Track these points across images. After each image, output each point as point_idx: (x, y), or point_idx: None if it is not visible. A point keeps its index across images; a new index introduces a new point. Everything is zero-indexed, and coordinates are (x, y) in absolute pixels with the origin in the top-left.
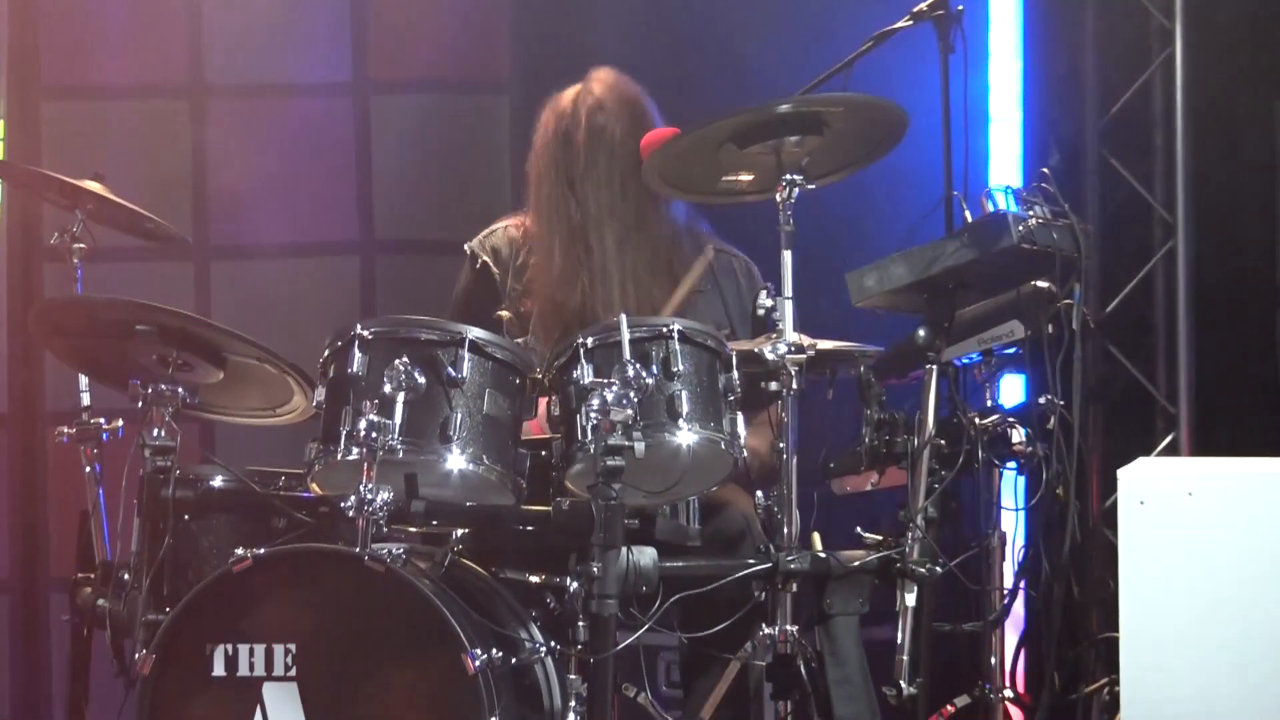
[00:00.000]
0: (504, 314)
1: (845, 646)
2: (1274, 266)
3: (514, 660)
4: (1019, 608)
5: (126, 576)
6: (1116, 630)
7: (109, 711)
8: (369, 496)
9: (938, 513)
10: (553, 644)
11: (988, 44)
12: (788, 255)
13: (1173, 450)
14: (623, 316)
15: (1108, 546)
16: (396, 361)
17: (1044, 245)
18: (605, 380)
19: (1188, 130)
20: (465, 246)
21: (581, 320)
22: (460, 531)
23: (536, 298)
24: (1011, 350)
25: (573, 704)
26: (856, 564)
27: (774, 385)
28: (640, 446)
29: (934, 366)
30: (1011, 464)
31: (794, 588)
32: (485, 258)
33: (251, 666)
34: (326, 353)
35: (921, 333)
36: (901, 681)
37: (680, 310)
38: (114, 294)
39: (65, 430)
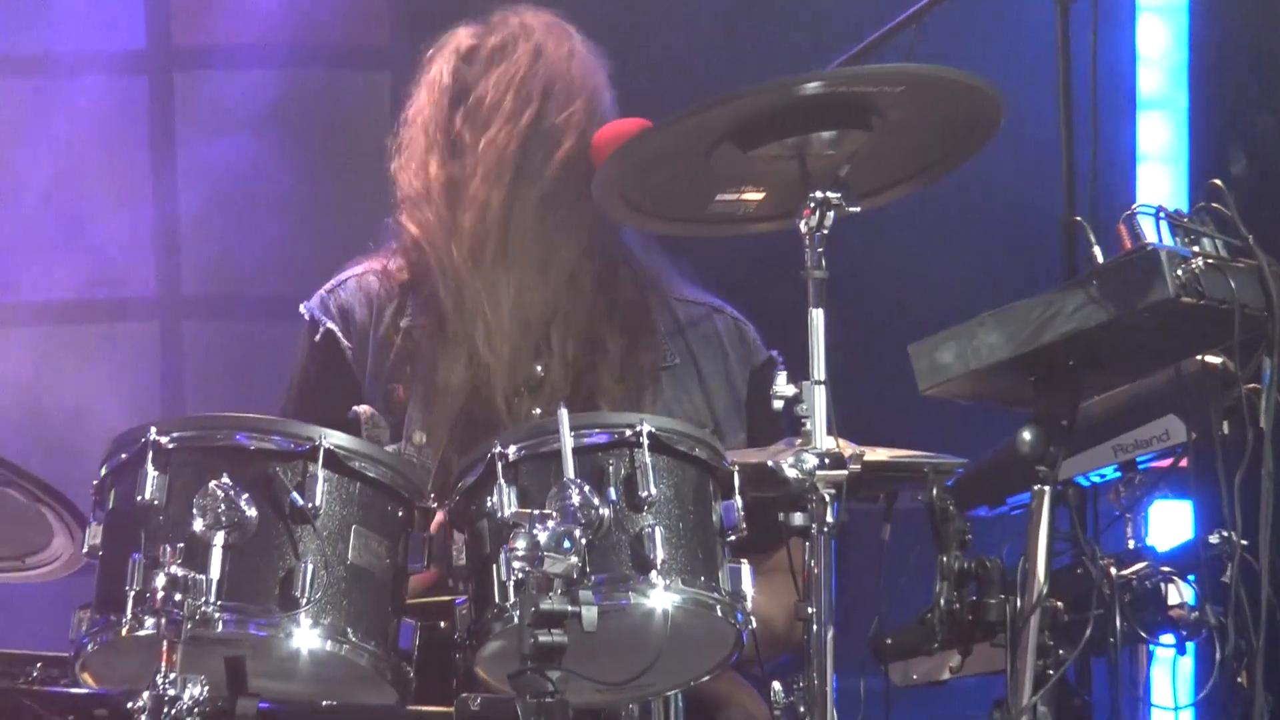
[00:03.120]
0: (363, 410)
1: None
2: None
3: None
4: None
5: None
6: None
7: None
8: (171, 693)
9: (1053, 713)
10: None
11: None
12: (818, 315)
13: None
14: (562, 411)
15: None
16: (212, 484)
17: (1217, 299)
18: (537, 511)
19: None
20: (301, 309)
21: (480, 411)
22: None
23: (416, 377)
24: (1167, 461)
25: None
26: None
27: (798, 518)
28: (591, 613)
29: (1046, 488)
30: (1169, 636)
31: None
32: (329, 325)
33: None
34: (104, 470)
35: (1027, 435)
36: None
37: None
38: None
39: None
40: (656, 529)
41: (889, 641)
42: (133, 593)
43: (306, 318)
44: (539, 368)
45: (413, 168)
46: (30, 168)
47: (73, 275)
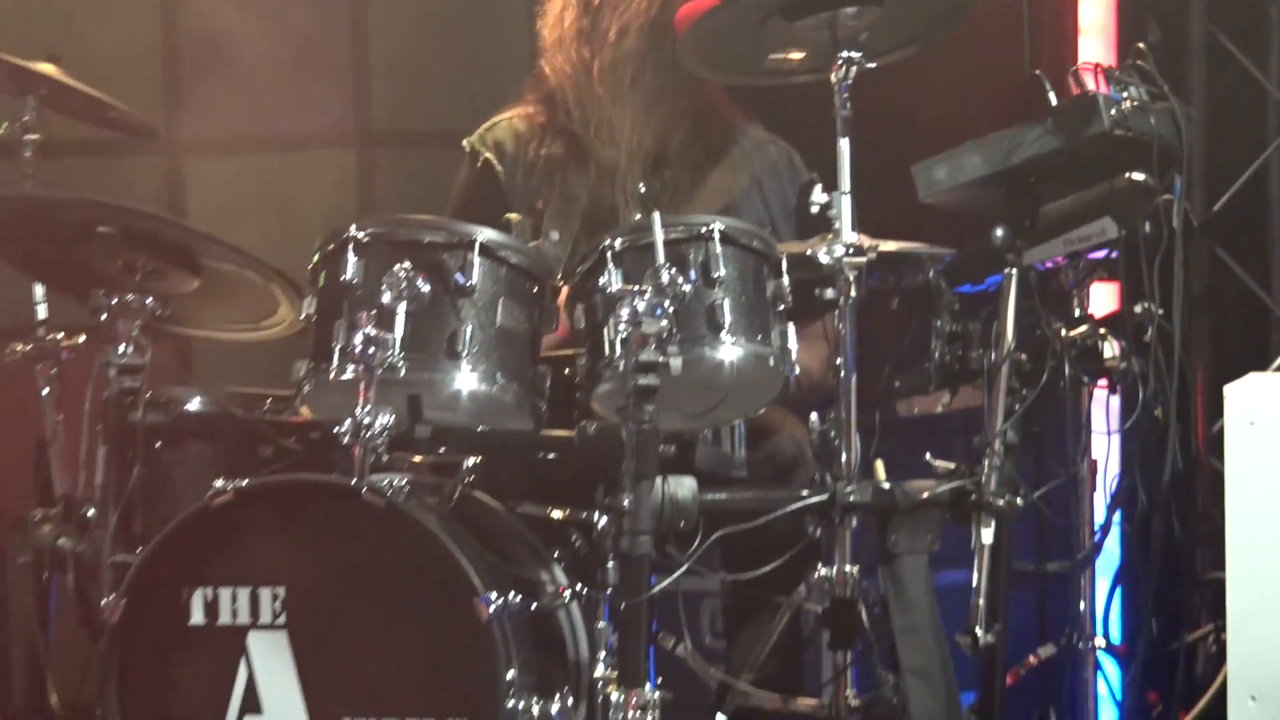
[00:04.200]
0: (513, 217)
1: (913, 589)
2: None
3: (534, 605)
4: (1112, 545)
5: (91, 513)
6: (1223, 570)
7: (73, 664)
8: (366, 421)
9: (1018, 438)
10: (578, 587)
11: None
12: (845, 144)
13: None
14: (656, 215)
15: (1213, 475)
16: (397, 267)
17: (1140, 132)
18: (636, 288)
19: None
20: (464, 143)
21: (600, 215)
22: (471, 460)
23: (551, 192)
24: (1103, 252)
25: (601, 655)
26: (925, 496)
27: (830, 293)
28: (676, 363)
29: (1014, 271)
30: (1103, 382)
31: (854, 523)
32: (487, 154)
33: (234, 613)
34: (317, 258)
35: (999, 232)
36: (977, 629)
37: (715, 204)
38: (73, 191)
39: (18, 347)
40: (725, 300)
41: (897, 384)
42: (338, 347)
43: (467, 149)
44: (641, 186)
45: (551, 22)
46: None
47: (280, 111)
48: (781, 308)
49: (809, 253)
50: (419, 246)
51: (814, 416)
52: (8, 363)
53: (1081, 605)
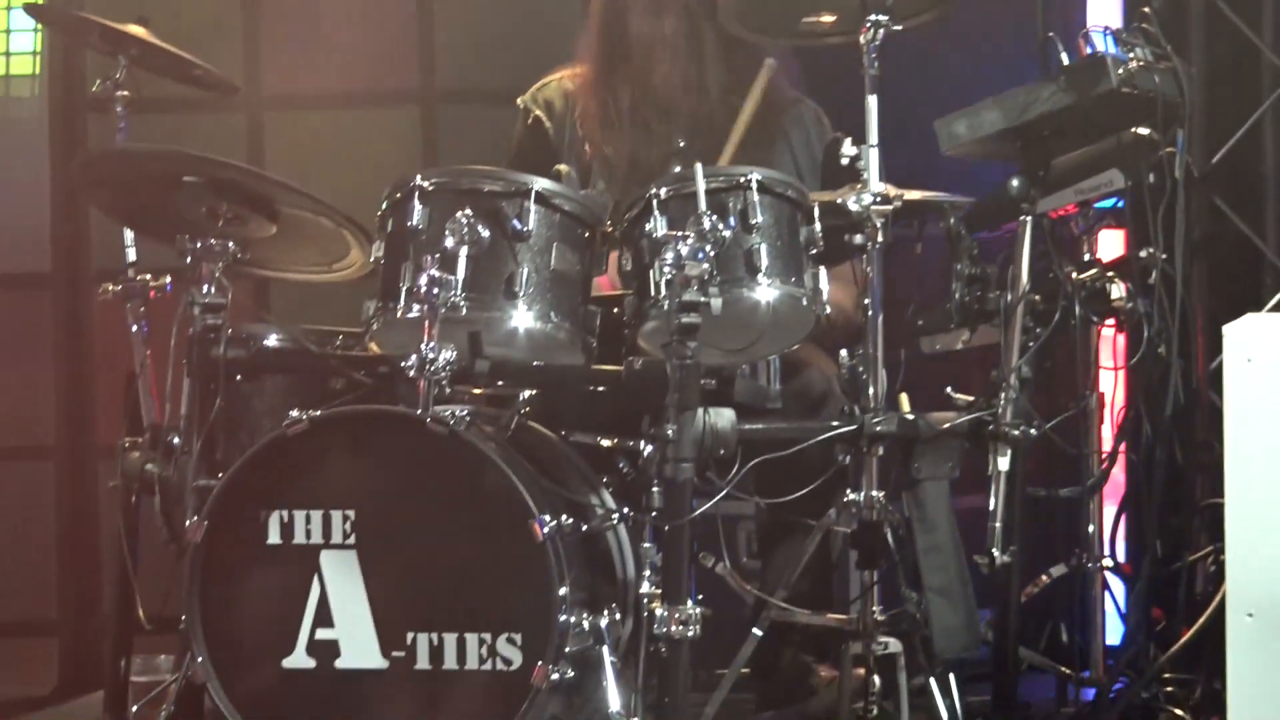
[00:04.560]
0: (562, 168)
1: (934, 513)
2: None
3: (584, 527)
4: (1118, 473)
5: (176, 440)
6: (1221, 496)
7: (158, 580)
8: (431, 356)
9: (1032, 372)
10: (625, 510)
11: None
12: (872, 101)
13: None
14: (698, 166)
15: (1212, 408)
16: (459, 214)
17: (1145, 89)
18: (680, 233)
19: None
20: (518, 101)
21: (642, 167)
22: (527, 393)
23: (599, 144)
24: (1110, 201)
25: (647, 573)
26: (946, 426)
27: (858, 238)
28: (717, 302)
29: (1028, 218)
30: (1110, 321)
31: (880, 451)
32: (538, 112)
33: (308, 534)
34: (385, 205)
35: (1015, 183)
36: (994, 550)
37: (749, 157)
38: (161, 144)
39: (111, 288)
40: (762, 245)
41: (920, 323)
42: (404, 288)
43: (520, 107)
44: (680, 142)
45: None
46: None
47: (351, 70)
48: (814, 252)
49: (839, 201)
50: (479, 195)
51: (843, 353)
52: (101, 302)
53: (1090, 528)
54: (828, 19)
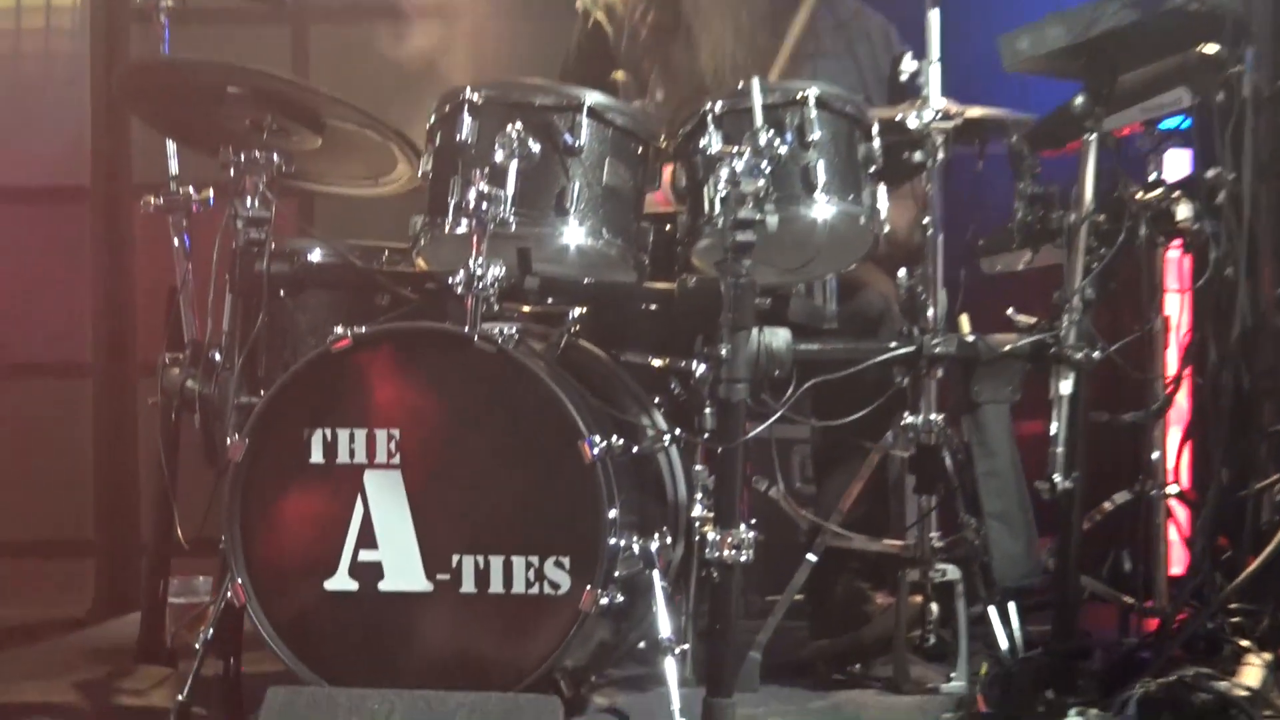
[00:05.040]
0: (619, 76)
1: (995, 437)
2: None
3: (635, 448)
4: (1183, 398)
5: (217, 357)
6: None
7: (199, 499)
8: (479, 272)
9: (1096, 294)
10: (677, 432)
11: None
12: (934, 14)
13: None
14: (755, 80)
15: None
16: (509, 128)
17: (1213, 6)
18: (735, 149)
19: None
20: (578, 4)
21: (701, 79)
22: (577, 310)
23: (658, 54)
24: (1177, 120)
25: (698, 496)
26: (1007, 348)
27: (918, 156)
28: (773, 220)
29: (1093, 136)
30: (1176, 242)
31: (939, 374)
32: (599, 15)
33: (352, 453)
34: (434, 118)
35: (1079, 100)
36: (1055, 476)
37: (809, 72)
38: (205, 56)
39: (152, 200)
40: (819, 162)
41: (981, 242)
42: (453, 203)
43: (580, 10)
44: (737, 53)
45: None
46: None
47: None
48: (872, 169)
49: (899, 117)
50: (530, 109)
51: (902, 272)
52: (142, 216)
53: (1154, 454)
54: None
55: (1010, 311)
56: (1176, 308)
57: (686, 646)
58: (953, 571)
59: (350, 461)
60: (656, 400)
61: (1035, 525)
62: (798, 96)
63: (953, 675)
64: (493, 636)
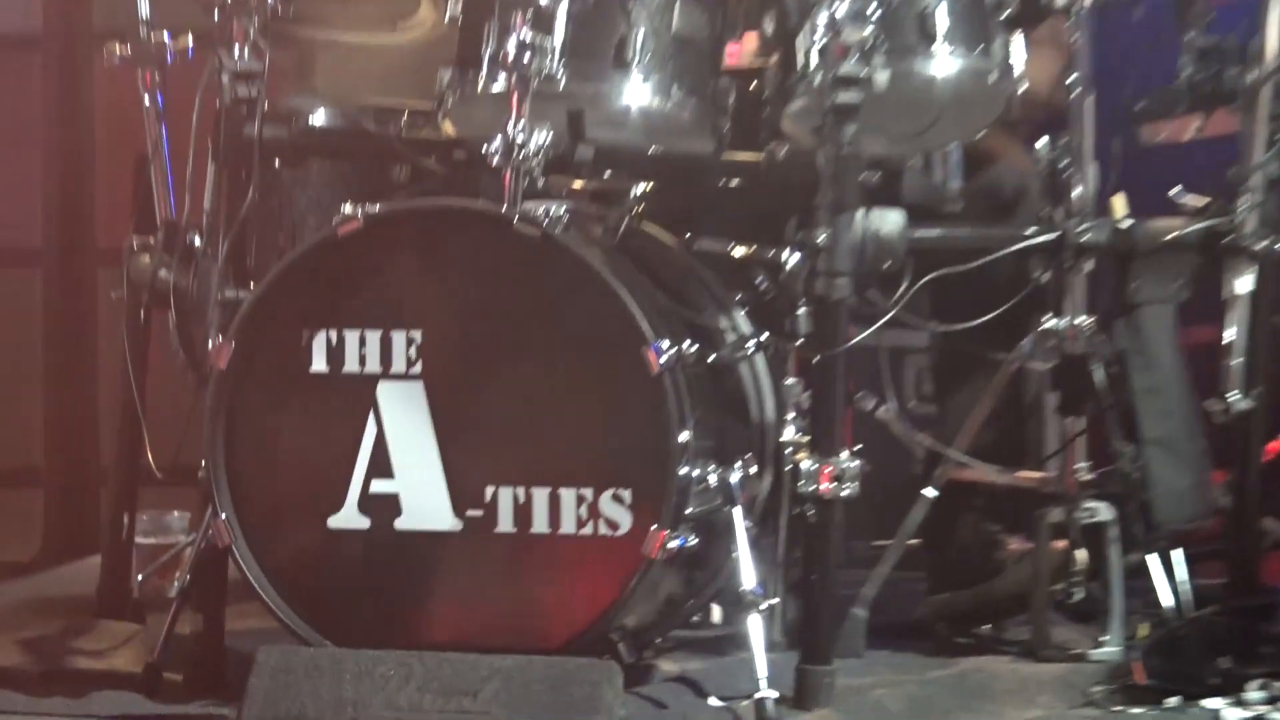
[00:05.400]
0: None
1: (1156, 345)
2: None
3: (711, 357)
4: None
5: (197, 241)
6: None
7: (173, 417)
8: (520, 139)
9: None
10: (764, 337)
11: None
12: None
13: None
14: None
15: None
16: None
17: None
18: None
19: None
20: None
21: None
22: (641, 187)
23: None
24: None
25: (790, 417)
26: (1171, 236)
27: None
28: (883, 77)
29: None
30: None
31: (1088, 267)
32: None
33: (362, 360)
34: None
35: None
36: (1231, 394)
37: None
38: None
39: (117, 49)
40: (939, 5)
41: (1139, 106)
42: (488, 54)
43: None
44: None
45: None
46: None
47: None
48: (1006, 14)
49: None
50: None
51: (1042, 142)
52: (105, 68)
53: None
54: None
55: (1176, 191)
56: None
57: (775, 601)
58: (1104, 511)
59: (360, 371)
60: (738, 298)
61: (1206, 455)
62: None
63: (1103, 639)
64: (535, 587)
